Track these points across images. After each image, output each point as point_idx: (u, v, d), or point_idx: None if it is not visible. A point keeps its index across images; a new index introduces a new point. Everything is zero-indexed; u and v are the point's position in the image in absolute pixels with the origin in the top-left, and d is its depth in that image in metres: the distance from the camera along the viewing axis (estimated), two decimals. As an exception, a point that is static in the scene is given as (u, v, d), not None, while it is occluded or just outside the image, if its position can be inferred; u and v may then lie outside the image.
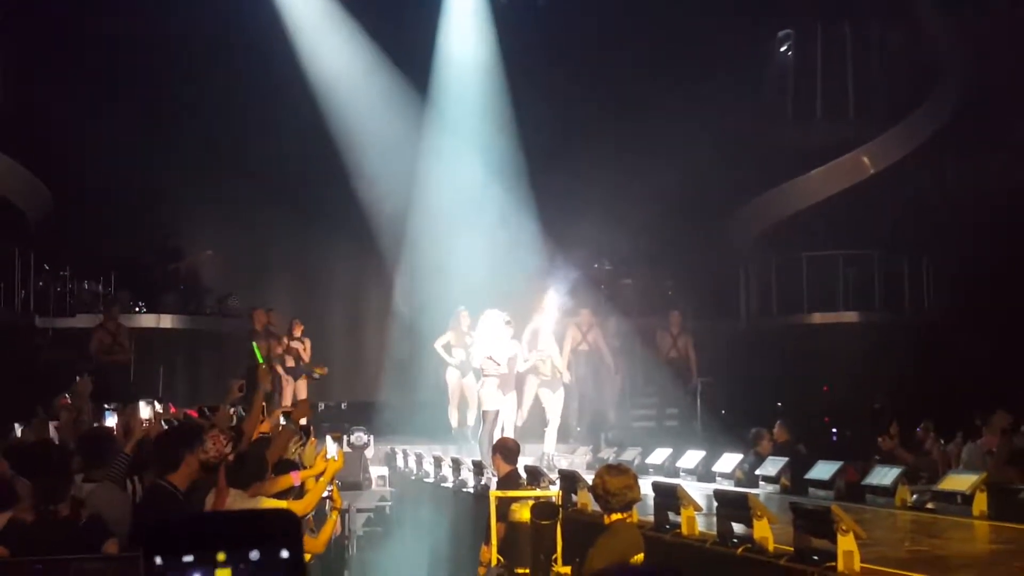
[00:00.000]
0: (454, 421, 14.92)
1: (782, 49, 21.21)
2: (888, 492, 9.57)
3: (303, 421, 8.46)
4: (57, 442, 8.90)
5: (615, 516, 5.88)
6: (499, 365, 12.88)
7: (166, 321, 17.65)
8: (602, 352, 15.29)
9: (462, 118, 18.03)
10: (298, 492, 6.93)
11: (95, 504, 6.53)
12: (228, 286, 18.53)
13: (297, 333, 15.24)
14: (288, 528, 1.29)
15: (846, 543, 6.16)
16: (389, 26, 17.88)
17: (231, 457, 6.65)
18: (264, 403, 8.07)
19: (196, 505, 6.43)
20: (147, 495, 6.07)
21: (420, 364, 15.40)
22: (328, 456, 7.01)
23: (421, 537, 12.14)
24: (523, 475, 9.43)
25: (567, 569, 7.45)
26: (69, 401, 11.10)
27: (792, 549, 6.61)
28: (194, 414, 10.62)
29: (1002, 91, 17.50)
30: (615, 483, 5.80)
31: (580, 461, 14.10)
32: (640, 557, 5.93)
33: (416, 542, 12.16)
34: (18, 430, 10.95)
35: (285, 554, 1.26)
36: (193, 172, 17.65)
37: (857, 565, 6.14)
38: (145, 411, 7.84)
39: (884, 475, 9.84)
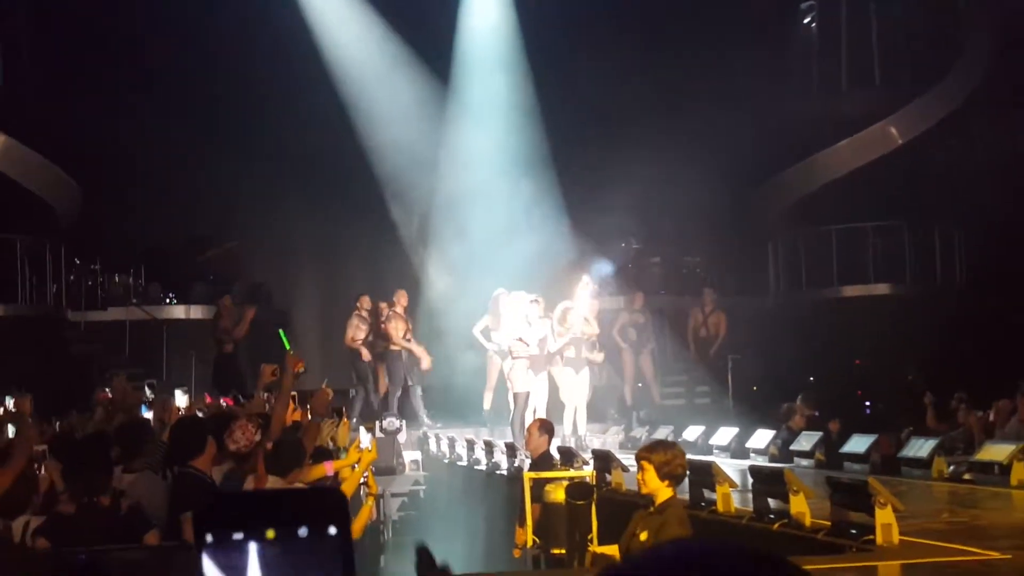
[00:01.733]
0: (487, 404, 14.96)
1: (806, 21, 21.01)
2: (924, 464, 9.54)
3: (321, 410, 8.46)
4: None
5: (665, 495, 5.84)
6: (528, 346, 12.89)
7: (196, 312, 17.76)
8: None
9: (485, 106, 17.98)
10: (333, 481, 6.96)
11: (135, 494, 6.58)
12: (256, 275, 18.61)
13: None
14: (336, 505, 1.28)
15: (884, 516, 6.13)
16: (411, 14, 17.84)
17: (268, 445, 6.69)
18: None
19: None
20: (177, 482, 6.10)
21: (448, 349, 15.41)
22: (362, 447, 7.04)
23: (456, 520, 12.18)
24: (556, 456, 9.43)
25: (604, 548, 7.45)
26: (109, 395, 11.18)
27: (829, 523, 6.59)
28: (229, 402, 10.68)
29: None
30: (680, 461, 5.77)
31: (612, 440, 14.11)
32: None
33: (451, 525, 12.20)
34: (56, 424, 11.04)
35: (333, 531, 1.26)
36: (219, 163, 17.71)
37: (896, 537, 6.12)
38: (181, 400, 7.89)
39: (920, 447, 9.80)
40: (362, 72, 18.15)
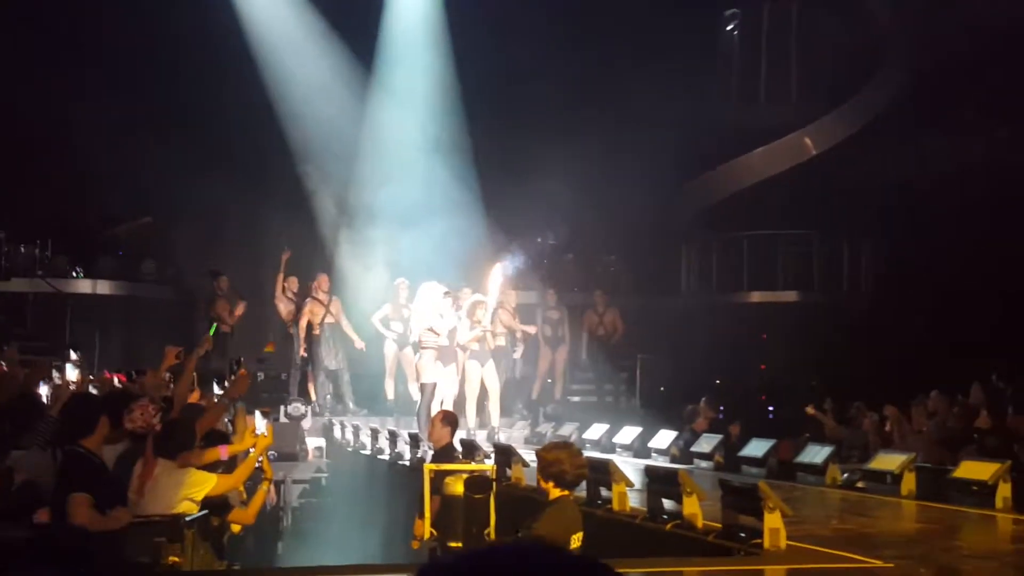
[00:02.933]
0: (391, 393, 14.97)
1: (728, 28, 21.26)
2: (819, 470, 9.72)
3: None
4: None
5: (561, 492, 5.87)
6: (438, 336, 12.86)
7: (103, 287, 17.40)
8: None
9: (407, 91, 17.88)
10: (227, 466, 6.87)
11: (22, 471, 6.43)
12: (167, 254, 18.29)
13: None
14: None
15: (772, 520, 6.23)
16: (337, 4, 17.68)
17: (158, 426, 6.57)
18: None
19: (124, 475, 6.35)
20: (66, 461, 5.97)
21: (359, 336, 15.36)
22: (258, 432, 6.96)
23: (356, 509, 12.12)
24: (459, 448, 9.42)
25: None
26: (3, 368, 10.89)
27: (720, 526, 6.67)
28: (123, 378, 10.48)
29: (943, 75, 17.67)
30: (573, 463, 5.80)
31: (518, 435, 14.14)
32: (580, 534, 5.94)
33: (351, 514, 12.14)
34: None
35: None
36: (133, 137, 17.35)
37: (783, 542, 6.22)
38: (72, 373, 7.72)
39: (816, 453, 9.98)
40: (283, 49, 17.92)
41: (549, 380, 16.28)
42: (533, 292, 16.80)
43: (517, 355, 14.20)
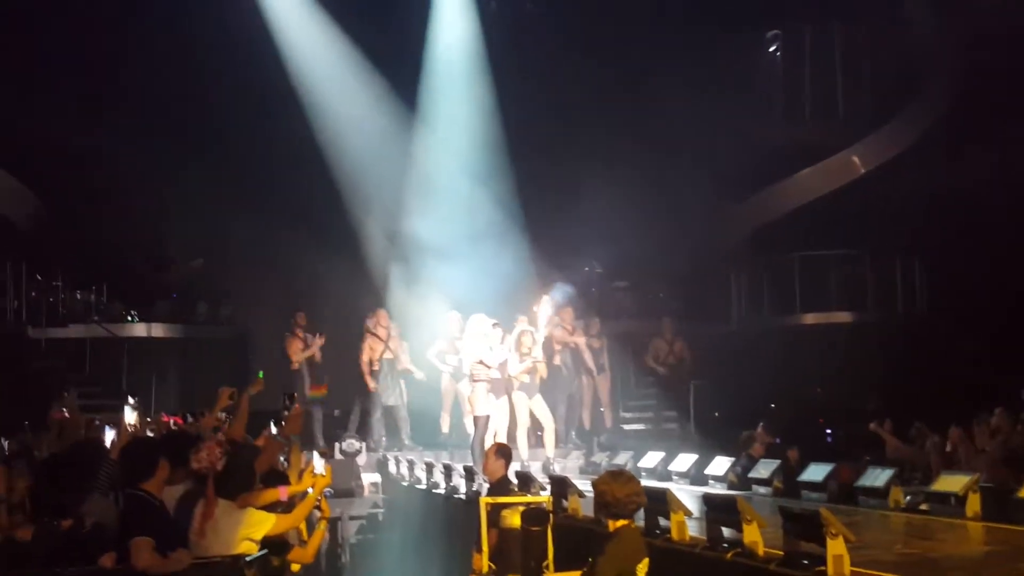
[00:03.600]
0: (445, 427, 15.00)
1: (771, 49, 21.22)
2: (881, 494, 9.56)
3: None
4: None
5: (620, 522, 5.84)
6: (490, 369, 12.87)
7: (158, 330, 17.64)
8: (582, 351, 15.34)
9: (450, 123, 18.00)
10: (286, 506, 6.89)
11: (92, 515, 6.50)
12: (220, 295, 18.49)
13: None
14: None
15: (835, 547, 6.13)
16: (375, 30, 17.83)
17: (219, 467, 6.62)
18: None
19: (184, 516, 6.40)
20: (127, 505, 6.02)
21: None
22: (316, 472, 6.99)
23: (413, 544, 12.11)
24: (514, 481, 9.40)
25: (560, 575, 7.42)
26: (65, 415, 11.05)
27: (782, 553, 6.59)
28: (179, 421, 10.58)
29: (990, 90, 17.51)
30: (623, 491, 5.77)
31: (573, 465, 14.09)
32: (645, 563, 5.90)
33: (409, 549, 12.14)
34: (5, 443, 10.89)
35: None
36: (183, 181, 17.62)
37: (847, 569, 6.12)
38: (130, 416, 7.81)
39: (877, 476, 9.82)
40: (326, 85, 18.10)
41: (601, 409, 16.23)
42: (579, 322, 16.75)
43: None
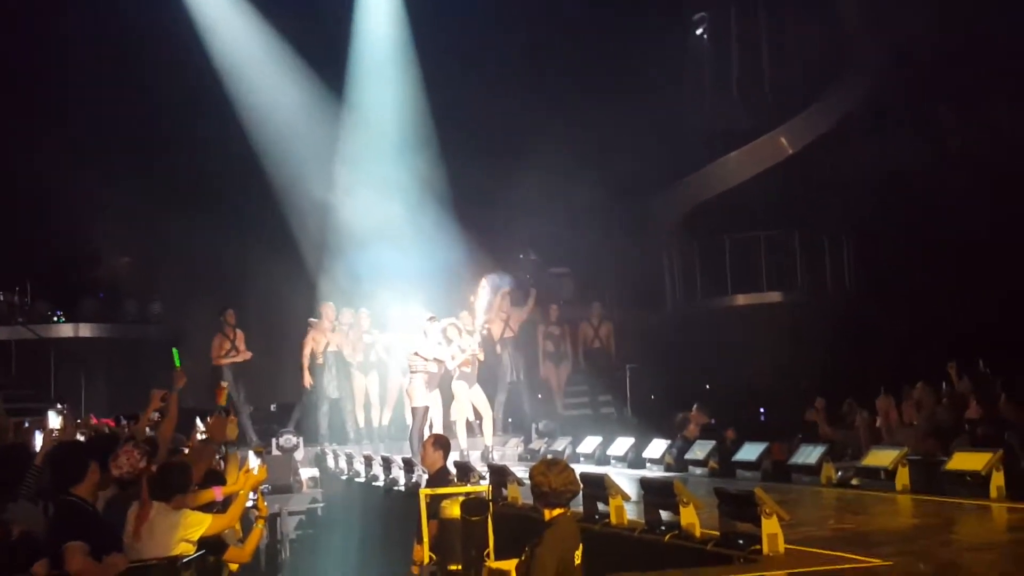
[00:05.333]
0: (385, 420, 15.04)
1: (698, 32, 21.34)
2: (813, 470, 9.72)
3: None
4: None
5: (557, 511, 5.87)
6: (427, 362, 12.84)
7: (85, 330, 17.33)
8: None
9: (378, 112, 17.88)
10: (221, 506, 6.83)
11: (18, 523, 6.38)
12: (149, 293, 18.21)
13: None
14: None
15: (770, 526, 6.23)
16: (300, 20, 17.64)
17: (153, 469, 6.54)
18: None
19: (117, 520, 6.31)
20: (58, 511, 5.92)
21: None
22: (252, 468, 6.94)
23: (354, 538, 12.06)
24: (453, 471, 9.40)
25: (500, 564, 7.43)
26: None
27: (719, 534, 6.66)
28: (111, 423, 10.41)
29: (917, 68, 17.77)
30: (559, 480, 5.79)
31: (511, 453, 14.13)
32: (579, 551, 5.95)
33: (349, 543, 12.07)
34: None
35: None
36: (108, 178, 17.29)
37: (781, 547, 6.22)
38: (54, 421, 7.68)
39: (809, 454, 9.98)
40: (254, 80, 17.88)
41: (539, 396, 16.31)
42: (515, 309, 16.79)
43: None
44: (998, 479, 8.03)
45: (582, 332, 16.79)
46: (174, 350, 8.04)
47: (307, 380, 15.01)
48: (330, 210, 17.29)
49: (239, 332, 14.98)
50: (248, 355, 14.95)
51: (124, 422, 9.50)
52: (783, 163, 19.19)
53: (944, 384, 11.71)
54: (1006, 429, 9.72)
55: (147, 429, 7.64)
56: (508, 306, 15.42)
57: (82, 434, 8.66)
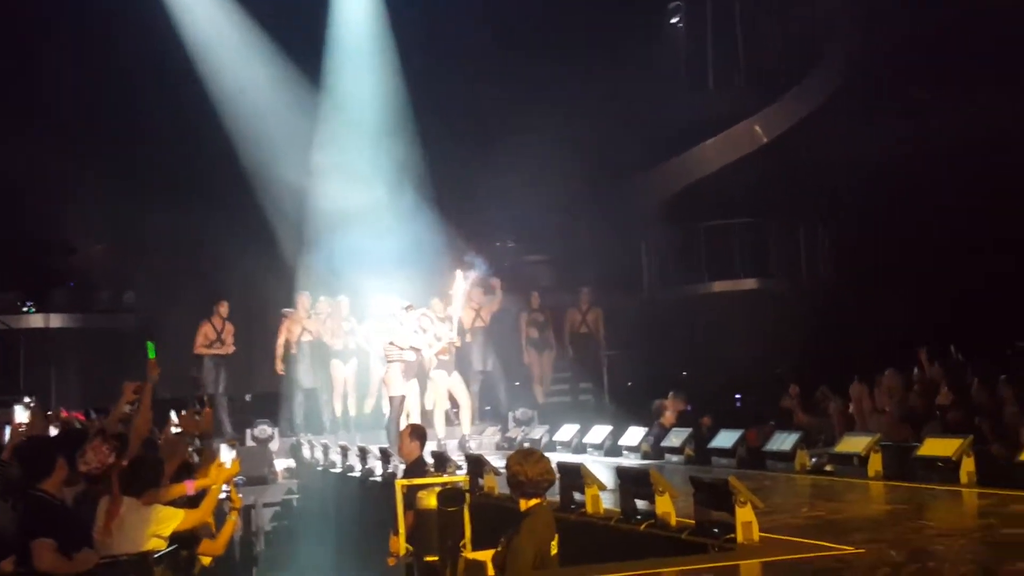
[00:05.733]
0: (338, 411, 15.04)
1: (673, 20, 21.34)
2: (787, 457, 9.76)
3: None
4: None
5: (533, 501, 5.87)
6: (403, 351, 12.82)
7: (56, 321, 17.17)
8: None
9: (356, 100, 17.80)
10: (195, 500, 6.80)
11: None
12: (121, 283, 18.07)
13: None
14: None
15: (744, 514, 6.25)
16: (280, 13, 17.53)
17: (123, 463, 6.50)
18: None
19: (87, 515, 6.26)
20: (27, 506, 5.87)
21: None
22: (224, 461, 6.90)
23: (330, 528, 12.05)
24: (430, 461, 9.39)
25: (476, 554, 7.43)
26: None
27: (693, 522, 6.68)
28: (80, 416, 10.33)
29: (891, 56, 17.82)
30: (535, 471, 5.79)
31: (489, 442, 14.13)
32: (555, 541, 5.95)
33: (325, 534, 12.06)
34: None
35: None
36: (80, 166, 17.14)
37: (756, 535, 6.24)
38: (21, 415, 7.61)
39: (783, 440, 10.02)
40: (231, 68, 17.75)
41: (516, 383, 16.31)
42: (487, 297, 16.79)
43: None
44: (968, 465, 8.08)
45: (569, 318, 16.78)
46: (148, 343, 7.98)
47: (279, 369, 14.97)
48: (307, 197, 17.21)
49: (228, 325, 14.93)
50: (232, 349, 14.90)
51: (94, 416, 9.41)
52: (758, 151, 19.23)
53: (915, 370, 11.77)
54: (976, 414, 9.78)
55: (119, 423, 7.57)
56: (479, 295, 15.41)
57: (54, 427, 8.58)
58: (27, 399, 7.52)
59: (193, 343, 14.74)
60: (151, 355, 7.78)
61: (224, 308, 14.96)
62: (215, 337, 14.85)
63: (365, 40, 18.26)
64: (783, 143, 18.91)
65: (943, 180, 16.30)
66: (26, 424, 7.57)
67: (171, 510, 6.38)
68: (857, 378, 11.63)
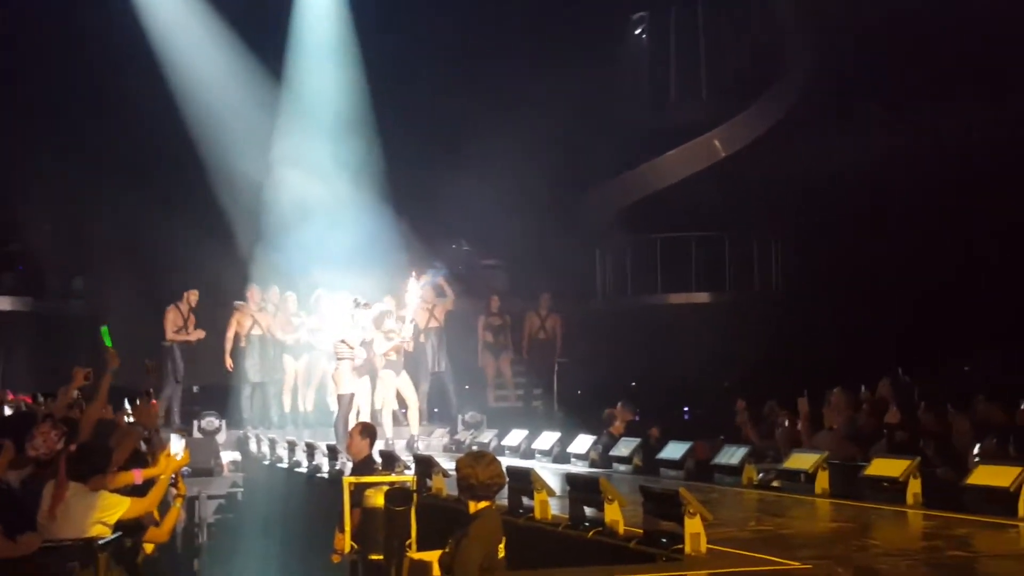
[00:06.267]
0: (309, 404, 14.94)
1: (636, 32, 21.46)
2: (736, 471, 9.82)
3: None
4: None
5: (482, 504, 5.85)
6: (352, 348, 12.74)
7: (3, 303, 16.91)
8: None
9: (317, 102, 17.72)
10: (141, 488, 6.72)
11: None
12: (71, 267, 17.82)
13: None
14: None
15: (693, 525, 6.27)
16: (243, 5, 17.39)
17: (72, 448, 6.41)
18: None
19: (31, 499, 6.17)
20: None
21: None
22: (173, 451, 6.82)
23: (274, 524, 11.95)
24: (378, 460, 9.34)
25: (422, 555, 7.41)
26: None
27: (642, 532, 6.70)
28: (28, 400, 10.17)
29: (847, 74, 18.04)
30: (486, 473, 5.76)
31: (437, 444, 14.10)
32: (502, 544, 5.94)
33: (269, 528, 11.97)
34: None
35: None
36: (31, 145, 16.88)
37: (704, 547, 6.27)
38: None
39: (732, 454, 10.09)
40: (190, 58, 17.60)
41: (467, 386, 16.28)
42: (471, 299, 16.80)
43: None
44: (915, 486, 8.18)
45: (528, 323, 16.81)
46: (103, 328, 7.87)
47: (228, 363, 14.86)
48: (264, 190, 17.08)
49: (191, 315, 14.83)
50: (201, 334, 14.80)
51: (42, 399, 9.27)
52: (715, 165, 19.38)
53: (863, 388, 11.89)
54: (922, 437, 9.90)
55: (67, 408, 7.46)
56: (432, 296, 15.38)
57: (5, 408, 8.46)
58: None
59: (160, 330, 14.67)
60: (108, 343, 7.67)
61: (194, 297, 14.90)
62: (182, 324, 14.76)
63: (328, 36, 18.19)
64: (741, 157, 19.07)
65: (898, 196, 16.52)
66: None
67: (117, 497, 6.30)
68: (805, 394, 11.73)
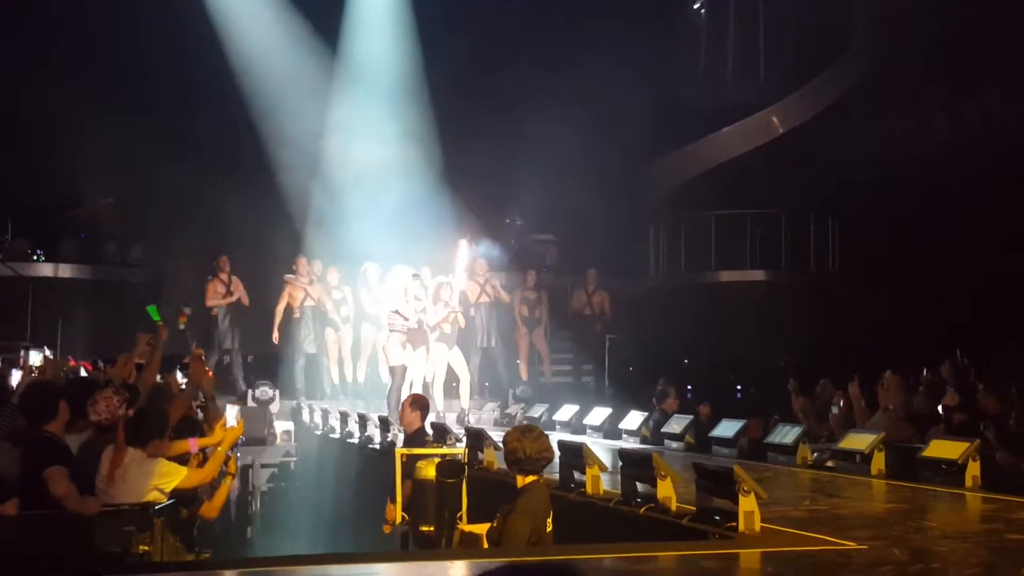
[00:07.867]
0: (361, 376, 15.01)
1: (695, 7, 21.22)
2: (789, 450, 9.71)
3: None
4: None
5: (530, 478, 5.85)
6: (406, 320, 12.79)
7: (65, 271, 17.18)
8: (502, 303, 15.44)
9: (372, 73, 17.73)
10: (197, 459, 6.79)
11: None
12: (131, 235, 18.06)
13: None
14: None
15: (747, 503, 6.21)
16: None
17: (130, 412, 6.49)
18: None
19: (91, 463, 6.26)
20: (30, 446, 5.87)
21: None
22: (229, 423, 6.89)
23: (326, 493, 12.06)
24: (430, 432, 9.38)
25: (472, 527, 7.43)
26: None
27: (694, 509, 6.66)
28: (88, 366, 10.32)
29: (910, 52, 17.74)
30: (534, 447, 5.77)
31: (488, 417, 14.12)
32: (550, 518, 5.94)
33: (321, 498, 12.07)
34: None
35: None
36: (94, 117, 17.08)
37: (758, 525, 6.21)
38: (35, 358, 7.63)
39: (785, 434, 9.98)
40: (247, 27, 17.68)
41: (518, 361, 16.29)
42: (502, 273, 16.75)
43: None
44: (974, 469, 8.04)
45: (575, 298, 16.76)
46: (149, 308, 7.98)
47: (275, 336, 14.95)
48: (318, 161, 17.15)
49: (235, 279, 14.92)
50: (246, 300, 14.90)
51: (102, 365, 9.41)
52: (772, 142, 19.16)
53: (925, 371, 11.72)
54: (982, 420, 9.74)
55: (127, 374, 7.57)
56: (486, 270, 15.36)
57: (65, 373, 8.60)
58: (45, 348, 7.59)
59: (204, 301, 14.75)
60: (155, 317, 7.77)
61: (225, 263, 14.95)
62: (224, 292, 14.87)
63: (382, 3, 18.16)
64: (799, 135, 18.83)
65: (956, 179, 16.23)
66: (37, 368, 7.58)
67: (174, 466, 6.37)
68: (857, 376, 11.59)
